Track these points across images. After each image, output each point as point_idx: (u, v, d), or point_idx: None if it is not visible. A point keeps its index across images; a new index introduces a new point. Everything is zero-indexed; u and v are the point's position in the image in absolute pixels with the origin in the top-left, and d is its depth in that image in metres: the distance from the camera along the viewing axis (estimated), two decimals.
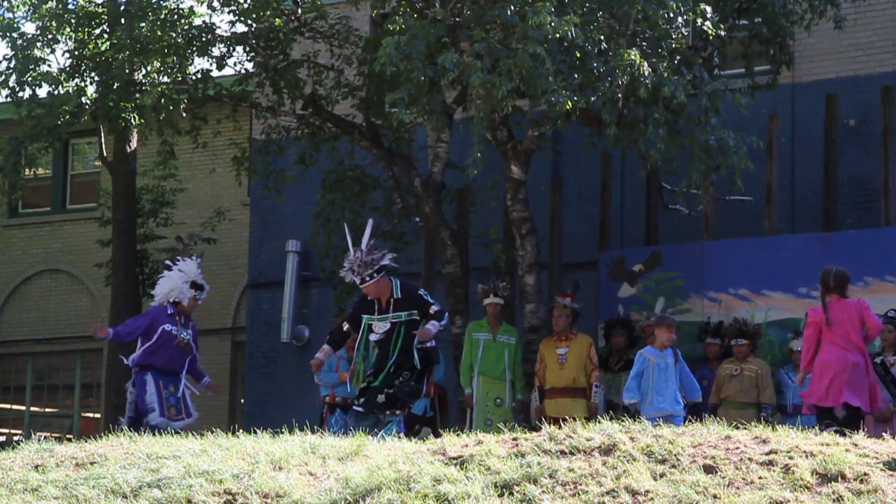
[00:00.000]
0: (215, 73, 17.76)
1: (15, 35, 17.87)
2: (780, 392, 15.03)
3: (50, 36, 18.05)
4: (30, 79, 17.81)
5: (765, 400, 14.85)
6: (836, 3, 16.39)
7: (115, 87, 17.26)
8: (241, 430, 11.82)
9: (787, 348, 15.36)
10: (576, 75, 14.22)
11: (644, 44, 14.52)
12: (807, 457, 9.46)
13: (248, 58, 17.83)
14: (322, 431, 12.11)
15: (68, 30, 18.13)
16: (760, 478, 9.24)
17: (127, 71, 17.07)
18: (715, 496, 9.04)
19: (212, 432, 11.63)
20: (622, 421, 10.29)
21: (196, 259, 15.05)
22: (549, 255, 17.50)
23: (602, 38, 14.26)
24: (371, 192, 18.23)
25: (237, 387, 23.42)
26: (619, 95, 14.22)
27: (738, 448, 9.71)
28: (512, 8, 14.03)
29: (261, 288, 22.21)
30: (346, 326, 13.73)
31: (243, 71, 18.07)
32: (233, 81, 18.27)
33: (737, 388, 14.88)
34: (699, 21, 14.86)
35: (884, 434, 10.82)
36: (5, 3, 19.87)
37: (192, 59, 17.41)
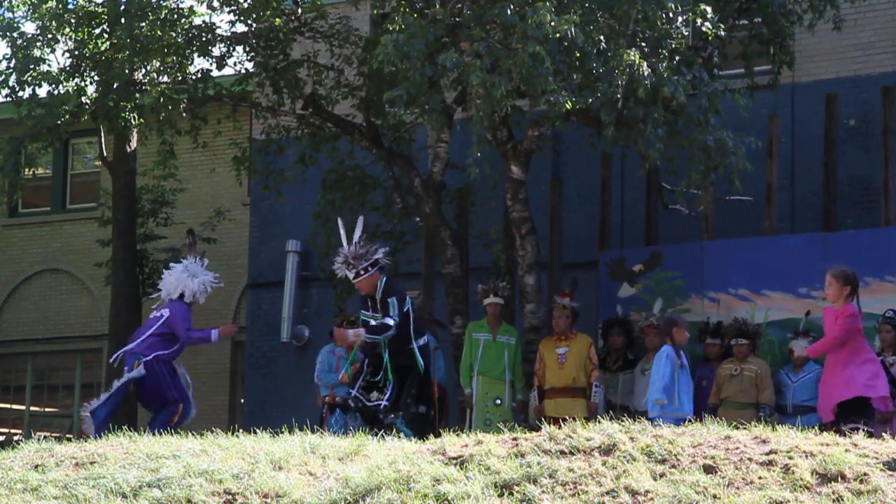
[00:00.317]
0: (215, 73, 17.76)
1: (15, 35, 17.87)
2: (779, 392, 15.02)
3: (50, 36, 18.06)
4: (30, 78, 17.82)
5: (764, 400, 14.85)
6: (835, 4, 16.39)
7: (115, 86, 17.27)
8: (240, 430, 11.83)
9: (786, 348, 15.35)
10: (575, 75, 14.22)
11: (644, 44, 14.52)
12: (807, 457, 9.46)
13: (248, 58, 17.83)
14: (322, 431, 12.11)
15: (68, 29, 18.13)
16: (760, 478, 9.24)
17: (127, 71, 17.07)
18: (715, 496, 9.04)
19: (212, 432, 11.64)
20: (622, 421, 10.29)
21: (198, 260, 15.06)
22: (549, 255, 17.50)
23: (602, 38, 14.26)
24: (371, 192, 18.23)
25: (237, 387, 23.43)
26: (619, 96, 14.22)
27: (737, 448, 9.71)
28: (512, 7, 14.03)
29: (261, 288, 22.22)
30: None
31: (243, 71, 18.07)
32: (233, 81, 18.27)
33: (737, 388, 14.88)
34: (699, 21, 14.85)
35: (884, 434, 10.82)
36: (5, 3, 19.87)
37: (192, 59, 17.42)
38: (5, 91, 17.93)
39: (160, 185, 22.35)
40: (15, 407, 26.01)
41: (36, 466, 10.76)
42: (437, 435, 11.26)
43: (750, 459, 9.50)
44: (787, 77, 17.72)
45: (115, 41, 17.17)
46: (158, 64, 17.19)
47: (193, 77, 17.51)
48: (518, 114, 15.78)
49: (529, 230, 16.11)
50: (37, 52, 17.95)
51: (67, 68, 18.03)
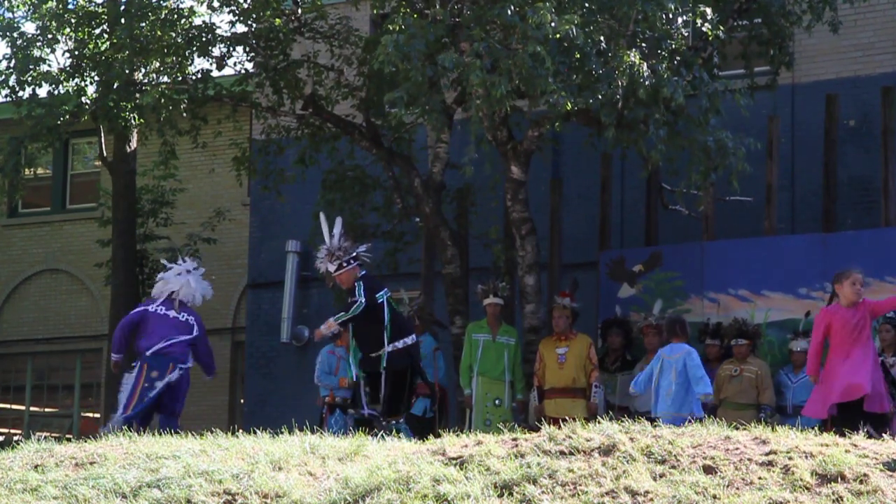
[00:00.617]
0: (215, 74, 17.77)
1: (15, 35, 17.88)
2: (779, 393, 15.02)
3: (50, 36, 18.07)
4: (30, 78, 17.84)
5: (764, 401, 14.84)
6: (833, 6, 16.39)
7: (115, 87, 17.28)
8: (240, 431, 11.83)
9: (786, 349, 15.35)
10: (575, 76, 14.22)
11: (644, 45, 14.52)
12: (806, 457, 9.46)
13: (248, 58, 17.84)
14: (322, 432, 12.11)
15: (68, 30, 18.14)
16: (760, 478, 9.24)
17: (127, 71, 17.08)
18: (714, 497, 9.04)
19: (211, 432, 11.64)
20: (622, 421, 10.29)
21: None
22: (549, 255, 17.50)
23: (602, 38, 14.26)
24: (371, 192, 18.24)
25: (237, 387, 23.42)
26: (619, 96, 14.22)
27: (737, 449, 9.71)
28: (512, 8, 14.03)
29: (261, 288, 22.21)
30: None
31: (243, 71, 18.07)
32: (233, 81, 18.27)
33: (736, 388, 14.87)
34: (699, 22, 14.86)
35: (883, 435, 10.82)
36: (5, 3, 19.87)
37: (192, 59, 17.42)
38: (5, 91, 17.93)
39: (160, 185, 22.34)
40: (15, 407, 26.01)
41: (36, 466, 10.76)
42: (437, 435, 11.26)
43: (750, 460, 9.50)
44: (787, 78, 17.72)
45: (116, 41, 17.17)
46: (158, 64, 17.20)
47: (193, 77, 17.52)
48: (518, 114, 15.79)
49: (529, 230, 16.11)
50: (37, 52, 17.96)
51: (67, 68, 18.04)
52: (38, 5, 18.20)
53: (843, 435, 10.37)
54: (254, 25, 17.43)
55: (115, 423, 13.62)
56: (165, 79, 17.40)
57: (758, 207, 16.93)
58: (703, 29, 14.93)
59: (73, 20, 18.07)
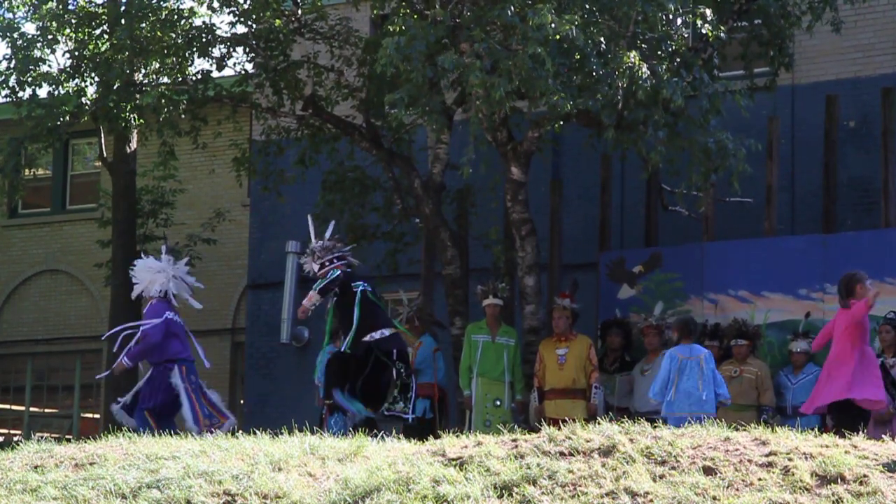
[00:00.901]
0: (215, 74, 17.77)
1: (15, 35, 17.89)
2: (779, 394, 15.01)
3: (50, 36, 18.07)
4: (30, 79, 17.84)
5: (765, 401, 14.84)
6: (834, 7, 16.39)
7: (115, 87, 17.27)
8: (240, 431, 11.82)
9: (786, 350, 15.34)
10: (575, 77, 14.22)
11: (644, 46, 14.52)
12: (806, 458, 9.46)
13: (248, 58, 17.84)
14: (321, 432, 12.11)
15: (68, 30, 18.15)
16: (760, 479, 9.24)
17: (127, 71, 17.08)
18: (714, 498, 9.04)
19: (211, 433, 11.63)
20: (621, 422, 10.29)
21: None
22: (549, 256, 17.50)
23: (602, 39, 14.26)
24: (371, 193, 18.24)
25: (237, 387, 23.42)
26: (619, 98, 14.22)
27: (737, 449, 9.71)
28: (512, 9, 14.03)
29: (261, 289, 22.22)
30: None
31: (243, 72, 18.08)
32: (233, 82, 18.27)
33: (736, 389, 14.83)
34: (699, 23, 14.85)
35: (883, 436, 10.82)
36: (5, 4, 19.88)
37: (192, 60, 17.42)
38: (5, 91, 17.94)
39: (160, 185, 22.34)
40: (14, 407, 26.01)
41: (35, 467, 10.77)
42: (437, 436, 11.26)
43: (749, 461, 9.51)
44: (787, 78, 17.72)
45: (116, 42, 17.17)
46: (158, 65, 17.20)
47: (193, 78, 17.52)
48: (518, 115, 15.79)
49: (529, 231, 16.11)
50: (37, 53, 17.97)
51: (68, 69, 18.04)
52: (38, 6, 18.20)
53: (842, 436, 10.37)
54: (254, 26, 17.43)
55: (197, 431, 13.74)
56: (165, 79, 17.40)
57: (758, 208, 16.93)
58: (703, 30, 14.93)
59: (73, 21, 18.08)
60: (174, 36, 16.97)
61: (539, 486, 9.35)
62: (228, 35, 17.54)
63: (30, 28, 18.68)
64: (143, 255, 15.21)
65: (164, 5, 17.16)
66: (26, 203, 26.15)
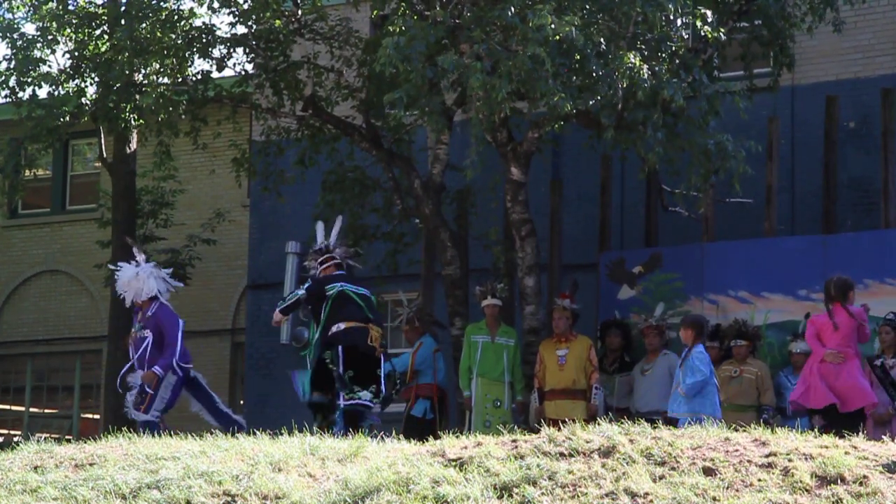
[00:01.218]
0: (215, 75, 17.77)
1: (15, 36, 17.89)
2: (779, 394, 15.01)
3: (50, 37, 18.08)
4: (30, 79, 17.84)
5: (765, 401, 14.84)
6: (835, 7, 16.39)
7: (115, 88, 17.27)
8: (240, 432, 11.82)
9: (786, 350, 15.35)
10: (575, 77, 14.22)
11: (643, 46, 14.52)
12: (806, 459, 9.46)
13: (248, 59, 17.84)
14: (321, 433, 12.11)
15: (68, 30, 18.15)
16: (760, 480, 9.24)
17: (127, 72, 17.07)
18: (714, 498, 9.04)
19: (211, 433, 11.64)
20: (621, 423, 10.30)
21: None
22: (549, 256, 17.50)
23: (602, 40, 14.26)
24: (371, 193, 18.24)
25: (237, 388, 23.43)
26: (619, 98, 14.22)
27: (737, 450, 9.71)
28: (512, 9, 14.03)
29: (260, 289, 22.21)
30: None
31: (243, 72, 18.08)
32: (233, 83, 18.27)
33: (736, 390, 14.85)
34: (699, 24, 14.85)
35: (883, 437, 10.82)
36: (5, 4, 19.88)
37: (192, 61, 17.43)
38: (5, 92, 17.94)
39: (160, 186, 22.34)
40: (14, 408, 26.01)
41: (35, 468, 10.76)
42: (437, 437, 11.27)
43: (749, 462, 9.51)
44: (787, 79, 17.72)
45: (116, 42, 17.17)
46: (158, 65, 17.20)
47: (193, 78, 17.52)
48: (518, 116, 15.79)
49: (529, 232, 16.11)
50: (37, 53, 17.97)
51: (67, 69, 18.05)
52: (38, 6, 18.20)
53: (841, 436, 10.37)
54: (254, 27, 17.43)
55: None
56: (165, 80, 17.39)
57: (758, 209, 16.94)
58: (703, 31, 14.93)
59: (73, 21, 18.08)
60: (174, 36, 16.97)
61: (539, 487, 9.35)
62: (228, 35, 17.54)
63: (30, 28, 18.69)
64: (117, 266, 14.99)
65: (164, 6, 17.16)
66: (26, 203, 26.15)
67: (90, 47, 18.07)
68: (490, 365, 15.64)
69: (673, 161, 15.31)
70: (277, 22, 17.30)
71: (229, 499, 9.75)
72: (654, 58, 14.43)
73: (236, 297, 23.68)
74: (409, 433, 13.53)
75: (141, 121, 18.31)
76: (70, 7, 18.40)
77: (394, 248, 18.41)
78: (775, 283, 15.72)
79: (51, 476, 10.48)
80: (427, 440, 10.97)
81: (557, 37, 13.65)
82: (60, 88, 17.97)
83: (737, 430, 10.20)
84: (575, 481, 9.38)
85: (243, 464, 10.29)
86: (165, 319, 14.21)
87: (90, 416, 24.92)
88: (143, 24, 16.85)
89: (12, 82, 17.81)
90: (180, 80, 17.40)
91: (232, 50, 17.56)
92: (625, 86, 14.07)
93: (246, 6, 17.18)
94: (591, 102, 14.20)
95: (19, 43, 17.79)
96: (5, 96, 18.11)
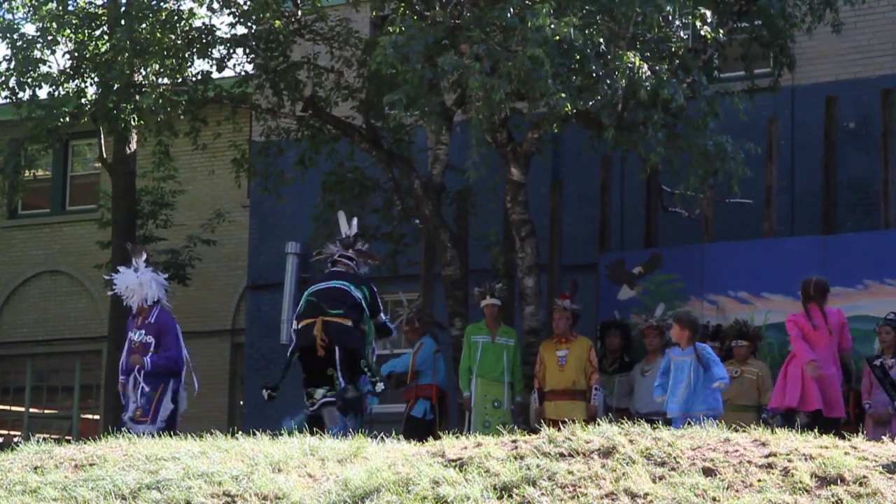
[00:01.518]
0: (215, 75, 17.77)
1: (15, 36, 17.89)
2: None
3: (50, 37, 18.08)
4: (30, 80, 17.84)
5: (765, 402, 14.83)
6: (834, 7, 16.39)
7: (114, 88, 17.27)
8: (240, 432, 11.82)
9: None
10: (574, 78, 14.22)
11: (643, 47, 14.52)
12: (806, 460, 9.46)
13: (248, 59, 17.84)
14: (321, 433, 12.11)
15: (68, 31, 18.15)
16: (759, 480, 9.24)
17: (127, 72, 17.07)
18: (714, 499, 9.04)
19: (211, 434, 11.63)
20: (621, 423, 10.29)
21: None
22: (549, 257, 17.50)
23: (601, 40, 14.26)
24: (371, 193, 18.24)
25: (236, 388, 23.42)
26: (619, 98, 14.22)
27: (737, 451, 9.71)
28: (511, 10, 14.03)
29: (260, 289, 22.21)
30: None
31: (243, 73, 18.08)
32: (233, 83, 18.27)
33: (737, 390, 14.84)
34: (698, 24, 14.85)
35: (883, 437, 10.83)
36: (5, 4, 19.88)
37: (192, 61, 17.43)
38: (5, 92, 17.94)
39: (160, 186, 22.34)
40: (14, 408, 26.01)
41: (35, 468, 10.76)
42: (437, 437, 11.26)
43: (749, 462, 9.51)
44: (786, 80, 17.71)
45: (115, 43, 17.17)
46: (158, 66, 17.20)
47: (193, 79, 17.52)
48: (517, 116, 15.79)
49: (529, 232, 16.11)
50: (37, 54, 17.97)
51: (67, 70, 18.05)
52: (38, 7, 18.20)
53: (841, 437, 10.37)
54: (254, 27, 17.43)
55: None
56: (165, 80, 17.39)
57: (758, 209, 16.93)
58: (703, 32, 14.93)
59: (73, 22, 18.08)
60: (174, 37, 16.97)
61: (539, 488, 9.35)
62: (228, 36, 17.54)
63: (30, 29, 18.69)
64: (116, 271, 15.00)
65: (164, 6, 17.16)
66: (26, 204, 26.14)
67: (90, 48, 18.07)
68: (490, 365, 15.64)
69: (673, 162, 15.31)
70: (277, 22, 17.30)
71: (229, 499, 9.75)
72: (654, 58, 14.43)
73: (236, 298, 23.67)
74: (409, 433, 13.53)
75: (141, 121, 18.31)
76: (70, 7, 18.40)
77: (394, 249, 18.40)
78: (775, 283, 15.72)
79: (51, 476, 10.48)
80: (427, 441, 10.98)
81: (557, 37, 13.65)
82: (60, 89, 17.97)
83: (737, 431, 10.20)
84: (575, 482, 9.38)
85: (243, 464, 10.29)
86: (166, 325, 14.38)
87: (90, 416, 24.91)
88: (143, 25, 16.85)
89: (12, 83, 17.81)
90: (180, 80, 17.40)
91: (232, 50, 17.57)
92: (625, 85, 14.07)
93: (246, 7, 17.18)
94: (591, 102, 14.20)
95: (19, 43, 17.79)
96: (5, 97, 18.11)
